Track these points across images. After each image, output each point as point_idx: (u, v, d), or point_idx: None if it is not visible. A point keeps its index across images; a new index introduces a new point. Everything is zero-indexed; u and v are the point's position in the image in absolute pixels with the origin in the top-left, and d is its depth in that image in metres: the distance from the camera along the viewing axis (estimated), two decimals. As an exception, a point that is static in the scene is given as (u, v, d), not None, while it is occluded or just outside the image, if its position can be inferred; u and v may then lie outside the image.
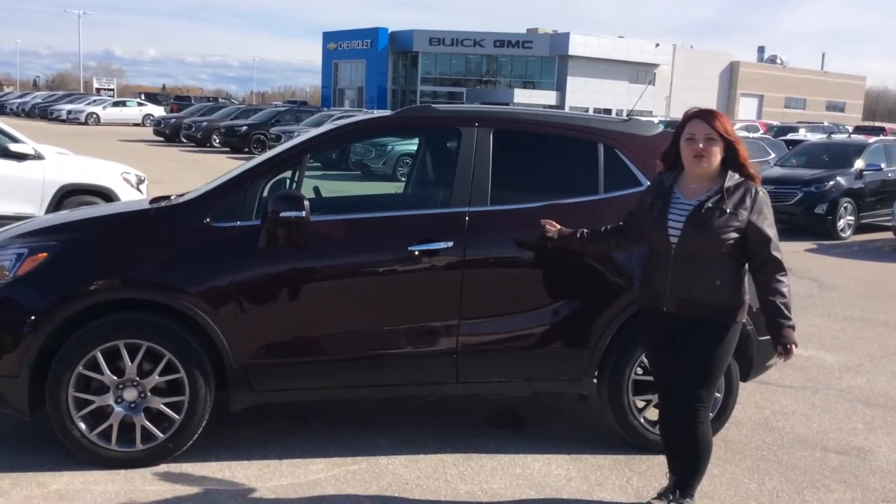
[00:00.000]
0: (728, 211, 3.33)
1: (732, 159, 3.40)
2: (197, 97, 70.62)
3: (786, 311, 3.34)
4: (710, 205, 3.35)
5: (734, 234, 3.34)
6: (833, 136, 21.93)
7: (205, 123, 32.32)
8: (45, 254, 4.01)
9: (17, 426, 4.43)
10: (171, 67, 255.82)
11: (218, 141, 30.70)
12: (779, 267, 3.37)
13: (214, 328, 4.01)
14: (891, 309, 8.55)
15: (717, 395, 4.40)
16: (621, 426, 4.47)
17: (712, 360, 3.44)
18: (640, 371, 4.42)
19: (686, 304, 3.42)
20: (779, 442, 4.76)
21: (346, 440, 4.52)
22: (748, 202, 3.36)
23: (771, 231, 3.38)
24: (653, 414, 4.52)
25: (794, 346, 3.34)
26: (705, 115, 3.41)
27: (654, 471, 4.25)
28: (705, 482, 4.09)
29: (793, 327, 3.35)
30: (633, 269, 4.32)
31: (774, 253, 3.36)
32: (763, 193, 3.42)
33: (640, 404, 4.49)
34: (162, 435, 4.05)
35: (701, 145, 3.36)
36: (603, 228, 3.92)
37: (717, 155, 3.37)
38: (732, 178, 3.39)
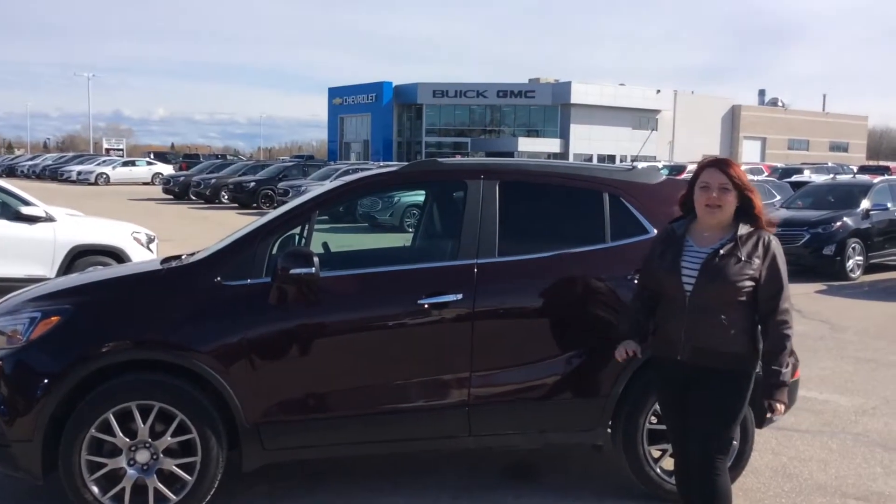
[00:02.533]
0: (742, 259, 3.32)
1: (747, 210, 3.40)
2: (205, 155, 71.40)
3: (782, 370, 3.33)
4: (723, 252, 3.34)
5: (749, 283, 3.33)
6: (838, 176, 21.99)
7: (213, 180, 32.66)
8: (57, 317, 4.04)
9: (31, 490, 4.41)
10: (180, 126, 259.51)
11: (227, 197, 30.99)
12: (786, 319, 3.35)
13: (226, 387, 4.02)
14: (904, 349, 8.47)
15: (734, 442, 4.36)
16: (637, 476, 4.42)
17: (728, 410, 3.40)
18: (654, 420, 4.38)
19: (701, 353, 3.38)
20: (797, 489, 4.70)
21: (359, 497, 4.48)
22: (761, 250, 3.35)
23: (783, 281, 3.37)
24: (668, 464, 4.47)
25: (781, 406, 3.33)
26: (720, 164, 3.41)
27: (671, 522, 4.19)
28: (724, 532, 4.03)
29: (785, 384, 3.34)
30: (642, 316, 4.32)
31: (784, 304, 3.35)
32: (776, 242, 3.42)
33: (656, 454, 4.44)
34: (174, 497, 4.02)
35: (715, 194, 3.36)
36: (632, 302, 3.82)
37: (731, 204, 3.37)
38: (745, 227, 3.39)
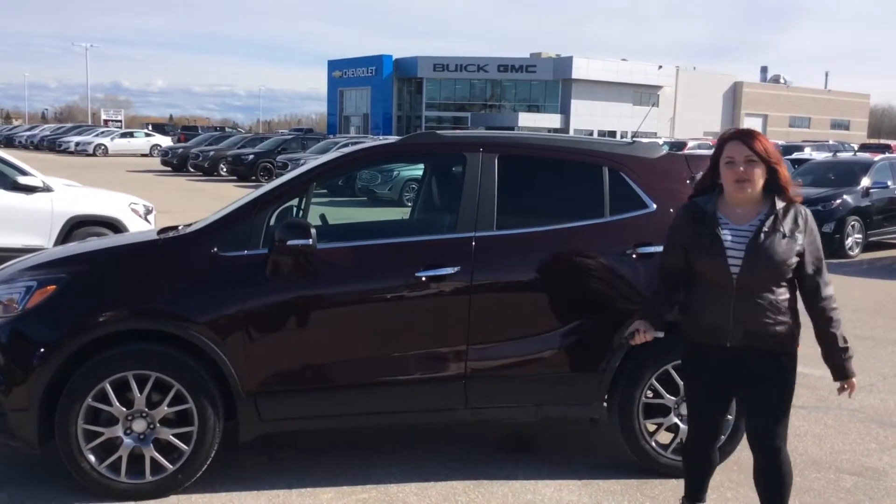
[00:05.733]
0: (787, 235, 3.19)
1: (773, 183, 3.23)
2: (204, 127, 71.04)
3: (845, 343, 3.25)
4: (766, 229, 3.19)
5: (795, 259, 3.20)
6: (838, 154, 21.92)
7: (212, 153, 32.53)
8: (53, 286, 4.03)
9: (27, 459, 4.43)
10: (179, 98, 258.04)
11: (225, 170, 30.89)
12: (831, 291, 3.25)
13: (223, 357, 4.02)
14: (901, 327, 8.49)
15: (729, 416, 4.37)
16: (632, 450, 4.43)
17: (786, 391, 3.29)
18: (649, 394, 4.40)
19: (753, 336, 3.23)
20: (792, 463, 4.69)
21: (355, 468, 4.50)
22: (801, 224, 3.22)
23: (822, 251, 3.29)
24: (664, 437, 4.49)
25: (853, 379, 3.28)
26: (744, 137, 3.23)
27: (666, 495, 4.21)
28: (719, 506, 4.06)
29: (852, 357, 3.25)
30: (641, 290, 4.32)
31: (826, 276, 3.26)
32: (810, 213, 3.29)
33: (651, 428, 4.46)
34: (171, 466, 4.04)
35: (742, 168, 3.19)
36: (658, 288, 3.61)
37: (759, 177, 3.20)
38: (780, 201, 3.24)
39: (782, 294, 3.23)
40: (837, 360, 3.27)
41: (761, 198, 3.25)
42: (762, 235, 3.18)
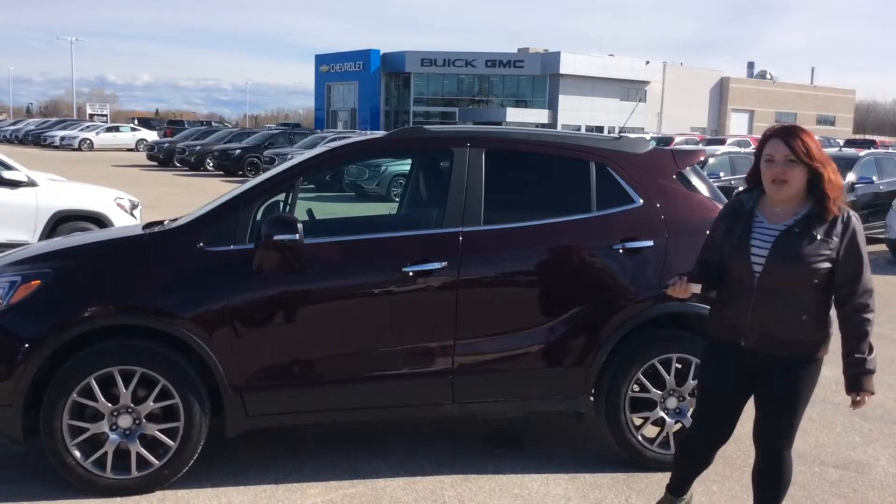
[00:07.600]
0: (818, 237, 3.04)
1: (815, 185, 3.08)
2: (190, 121, 70.63)
3: (867, 357, 3.09)
4: (797, 230, 3.07)
5: (825, 264, 3.05)
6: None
7: (198, 147, 32.35)
8: (38, 281, 4.00)
9: (12, 455, 4.40)
10: (165, 92, 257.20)
11: (212, 164, 30.76)
12: (867, 303, 3.09)
13: (209, 353, 4.00)
14: (885, 321, 8.55)
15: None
16: (619, 444, 4.45)
17: (798, 401, 3.20)
18: (636, 388, 4.42)
19: (768, 340, 3.15)
20: (777, 457, 4.74)
21: (342, 463, 4.49)
22: (839, 227, 3.06)
23: (863, 261, 3.08)
24: (650, 431, 4.52)
25: (868, 395, 3.12)
26: (785, 135, 3.09)
27: (652, 489, 4.23)
28: (704, 499, 4.09)
29: (872, 372, 3.09)
30: (628, 285, 4.34)
31: (864, 286, 3.08)
32: (856, 219, 3.10)
33: (638, 422, 4.48)
34: (157, 462, 4.02)
35: (780, 169, 3.07)
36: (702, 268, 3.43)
37: (798, 178, 3.07)
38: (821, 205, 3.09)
39: (810, 301, 3.10)
40: (852, 371, 3.12)
41: (803, 198, 3.13)
42: (791, 236, 3.08)
